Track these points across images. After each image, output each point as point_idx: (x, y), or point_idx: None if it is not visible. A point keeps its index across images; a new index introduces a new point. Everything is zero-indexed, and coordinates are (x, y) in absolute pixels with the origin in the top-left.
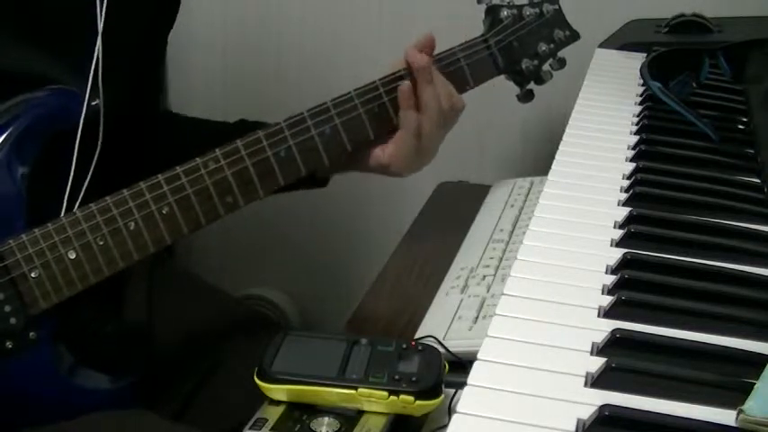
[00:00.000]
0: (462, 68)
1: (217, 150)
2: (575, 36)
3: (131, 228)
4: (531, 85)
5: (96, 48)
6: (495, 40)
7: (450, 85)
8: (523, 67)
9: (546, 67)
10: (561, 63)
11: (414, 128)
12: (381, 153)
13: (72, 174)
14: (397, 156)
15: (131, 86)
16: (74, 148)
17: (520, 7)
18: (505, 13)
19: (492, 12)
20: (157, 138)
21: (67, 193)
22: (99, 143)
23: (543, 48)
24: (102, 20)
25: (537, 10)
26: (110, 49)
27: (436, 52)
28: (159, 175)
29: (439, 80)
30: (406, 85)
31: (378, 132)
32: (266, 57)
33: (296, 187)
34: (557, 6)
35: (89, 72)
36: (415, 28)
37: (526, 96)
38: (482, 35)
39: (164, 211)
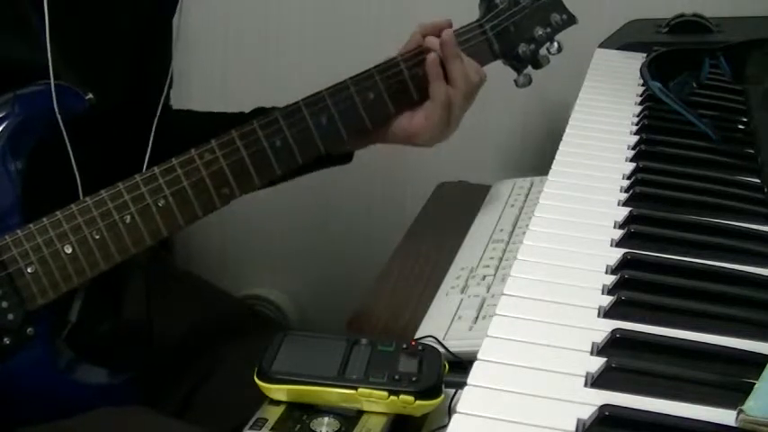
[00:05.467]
0: None
1: (212, 141)
2: (572, 20)
3: (127, 221)
4: (529, 70)
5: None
6: (491, 25)
7: (473, 61)
8: (520, 51)
9: (543, 51)
10: (559, 47)
11: (443, 99)
12: (408, 123)
13: (73, 169)
14: (426, 126)
15: (131, 78)
16: (70, 142)
17: None
18: None
19: None
20: (169, 134)
21: (64, 188)
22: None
23: (540, 32)
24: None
25: None
26: (108, 41)
27: None
28: (155, 168)
29: (464, 55)
30: (432, 56)
31: (397, 108)
32: (267, 54)
33: (321, 166)
34: None
35: (86, 64)
36: (417, 20)
37: (524, 82)
38: (477, 20)
39: (160, 204)
